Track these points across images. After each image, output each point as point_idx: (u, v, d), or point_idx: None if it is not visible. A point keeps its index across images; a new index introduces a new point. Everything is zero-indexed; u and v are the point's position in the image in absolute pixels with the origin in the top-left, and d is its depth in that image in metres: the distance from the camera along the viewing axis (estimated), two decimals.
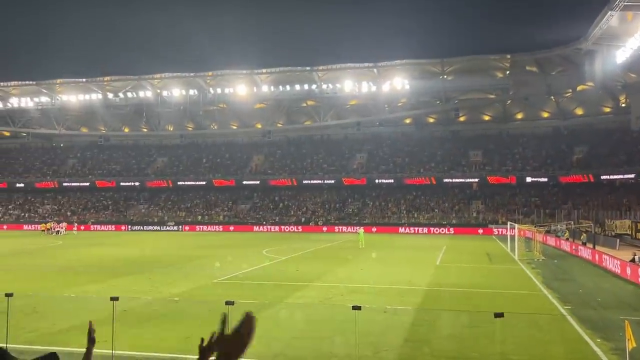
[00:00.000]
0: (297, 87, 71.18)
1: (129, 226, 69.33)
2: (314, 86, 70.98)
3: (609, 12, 42.18)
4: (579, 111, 68.17)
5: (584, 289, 22.56)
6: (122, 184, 78.52)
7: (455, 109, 72.20)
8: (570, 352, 13.55)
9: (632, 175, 56.11)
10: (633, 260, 25.92)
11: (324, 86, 70.79)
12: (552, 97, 67.02)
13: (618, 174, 58.01)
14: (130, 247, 43.87)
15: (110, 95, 79.69)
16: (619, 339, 12.81)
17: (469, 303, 19.47)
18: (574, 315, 17.08)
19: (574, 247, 37.19)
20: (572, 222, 48.62)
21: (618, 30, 45.06)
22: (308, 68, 68.42)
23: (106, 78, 77.03)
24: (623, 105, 63.52)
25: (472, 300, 20.20)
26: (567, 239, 42.06)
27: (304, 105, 76.59)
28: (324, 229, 64.10)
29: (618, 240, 41.08)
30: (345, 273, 27.61)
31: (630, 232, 43.84)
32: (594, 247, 34.77)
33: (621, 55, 46.60)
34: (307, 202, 70.96)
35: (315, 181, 71.53)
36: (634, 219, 45.50)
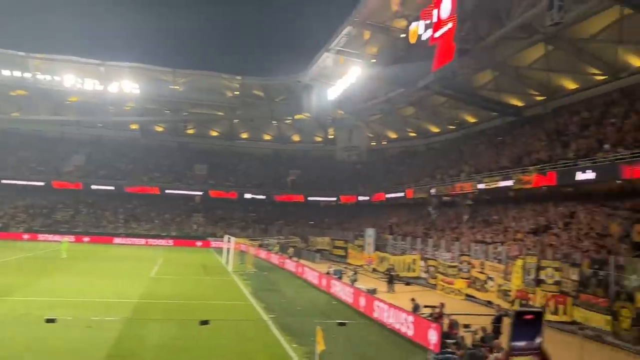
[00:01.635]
0: (6, 72, 61.85)
1: None
2: (27, 74, 62.66)
3: (326, 53, 47.76)
4: (296, 138, 75.19)
5: (287, 299, 24.56)
6: None
7: (184, 121, 72.19)
8: (270, 358, 14.50)
9: (334, 199, 64.25)
10: (328, 273, 29.34)
11: (40, 76, 63.14)
12: (275, 122, 72.52)
13: (323, 197, 65.75)
14: None
15: None
16: (312, 343, 14.21)
17: (180, 314, 19.34)
18: (276, 323, 18.38)
19: (281, 260, 40.37)
20: (282, 237, 52.87)
21: (332, 70, 51.28)
22: (22, 53, 60.14)
23: None
24: (331, 137, 72.32)
25: (184, 311, 20.16)
26: (277, 252, 45.46)
27: (13, 94, 66.85)
28: (25, 236, 56.60)
29: (318, 254, 46.20)
30: (48, 285, 24.77)
31: (328, 248, 49.80)
32: (298, 261, 38.30)
33: (333, 93, 53.07)
34: (5, 204, 61.77)
35: (18, 182, 62.68)
36: (332, 236, 51.87)
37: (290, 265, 37.58)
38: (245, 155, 74.43)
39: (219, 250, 47.76)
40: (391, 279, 29.05)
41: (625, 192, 25.70)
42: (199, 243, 59.72)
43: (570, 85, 37.68)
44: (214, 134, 75.76)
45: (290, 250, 45.32)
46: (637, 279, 17.62)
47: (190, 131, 75.07)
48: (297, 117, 68.73)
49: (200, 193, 66.89)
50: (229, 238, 40.01)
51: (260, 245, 49.34)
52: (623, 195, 25.54)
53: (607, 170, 25.20)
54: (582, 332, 17.43)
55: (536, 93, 40.70)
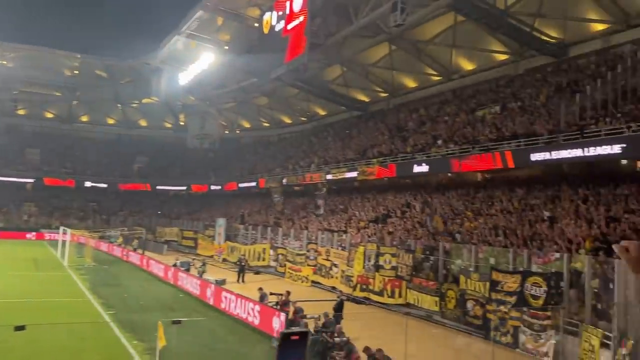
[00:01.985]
0: None
1: None
2: None
3: (177, 36, 45.94)
4: (143, 123, 71.41)
5: (129, 294, 23.31)
6: None
7: (13, 100, 64.77)
8: (108, 357, 13.63)
9: (184, 188, 62.27)
10: (175, 265, 28.42)
11: None
12: (120, 105, 68.20)
13: (172, 186, 63.38)
14: None
15: None
16: (154, 339, 13.63)
17: (5, 315, 17.35)
18: (116, 320, 17.34)
19: (124, 253, 38.26)
20: (127, 229, 50.18)
21: (183, 54, 49.48)
22: None
23: None
24: (182, 123, 69.94)
25: (10, 311, 18.11)
26: (120, 244, 43.00)
27: None
28: None
29: (166, 246, 44.58)
30: None
31: (177, 239, 48.29)
32: (143, 253, 36.59)
33: (184, 77, 51.29)
34: None
35: None
36: (182, 227, 50.39)
37: (134, 257, 35.78)
38: (86, 140, 68.91)
39: (53, 243, 43.84)
40: (242, 269, 28.94)
41: (454, 184, 28.38)
42: (30, 235, 54.21)
43: (411, 83, 40.56)
44: (49, 115, 69.10)
45: (135, 242, 43.14)
46: (462, 263, 19.54)
47: (22, 112, 67.70)
48: (144, 101, 65.34)
49: (32, 180, 60.62)
50: (64, 230, 36.90)
51: (102, 237, 46.30)
52: (453, 187, 28.17)
53: (439, 163, 27.57)
54: (415, 313, 18.94)
55: (380, 90, 43.19)
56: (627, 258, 2.22)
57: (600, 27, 27.21)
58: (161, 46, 50.07)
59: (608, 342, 12.40)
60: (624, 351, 11.23)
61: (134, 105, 68.28)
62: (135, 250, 39.24)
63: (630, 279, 12.00)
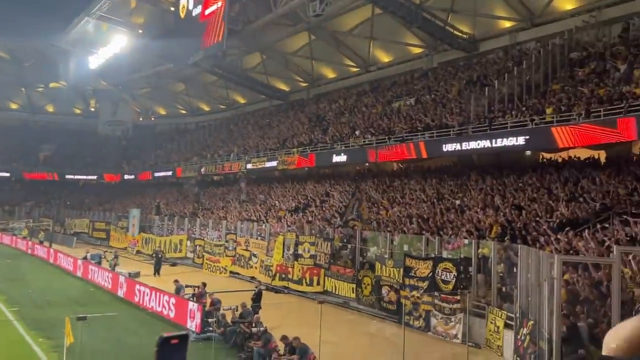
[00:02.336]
0: None
1: None
2: None
3: (86, 17, 43.61)
4: (50, 108, 67.26)
5: (35, 289, 22.05)
6: None
7: None
8: (11, 357, 12.83)
9: (95, 177, 59.30)
10: (85, 258, 27.11)
11: None
12: (23, 89, 63.83)
13: (82, 175, 60.16)
14: None
15: None
16: (61, 336, 12.97)
17: None
18: (20, 317, 16.37)
19: (30, 246, 36.07)
20: (32, 220, 47.24)
21: (94, 37, 47.05)
22: None
23: None
24: (93, 109, 66.58)
25: None
26: (25, 237, 40.46)
27: None
28: None
29: (75, 238, 42.41)
30: None
31: (87, 231, 46.04)
32: (50, 246, 34.64)
33: (95, 61, 48.80)
34: None
35: None
36: (92, 218, 48.07)
37: (41, 251, 33.79)
38: None
39: None
40: (158, 262, 27.72)
41: (372, 173, 29.04)
42: None
43: (330, 74, 40.94)
44: None
45: (42, 234, 40.73)
46: (377, 250, 20.06)
47: None
48: (51, 85, 61.57)
49: None
50: None
51: (4, 230, 43.33)
52: (370, 176, 28.81)
53: (357, 153, 28.07)
54: (332, 300, 19.25)
55: (300, 79, 43.26)
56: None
57: (507, 24, 28.72)
58: (70, 27, 47.35)
59: (511, 322, 13.21)
60: (525, 331, 12.00)
61: (40, 89, 64.18)
62: (42, 243, 37.07)
63: (532, 263, 12.81)
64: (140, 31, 42.83)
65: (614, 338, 1.70)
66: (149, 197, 48.91)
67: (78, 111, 67.75)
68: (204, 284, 16.85)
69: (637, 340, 1.70)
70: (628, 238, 13.19)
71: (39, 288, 22.35)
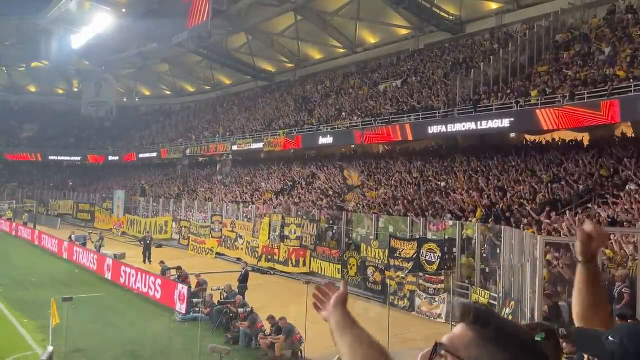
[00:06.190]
0: None
1: None
2: None
3: None
4: (33, 88, 66.13)
5: (19, 270, 21.93)
6: None
7: None
8: None
9: (79, 158, 58.60)
10: (70, 239, 26.94)
11: None
12: (4, 69, 62.62)
13: (66, 156, 59.44)
14: None
15: None
16: (47, 317, 12.95)
17: None
18: (4, 298, 16.30)
19: (14, 228, 35.75)
20: (16, 202, 46.72)
21: (76, 16, 46.15)
22: None
23: None
24: (76, 90, 65.58)
25: None
26: (9, 219, 40.06)
27: None
28: None
29: (60, 220, 42.08)
30: None
31: (72, 212, 45.63)
32: (34, 227, 34.37)
33: (77, 41, 47.94)
34: None
35: None
36: (77, 199, 47.62)
37: (25, 232, 33.51)
38: None
39: None
40: (148, 247, 25.81)
41: (358, 155, 29.08)
42: None
43: (317, 55, 40.68)
44: None
45: (25, 215, 40.35)
46: (363, 232, 20.20)
47: None
48: (33, 65, 60.37)
49: None
50: None
51: None
52: (356, 158, 28.86)
53: (343, 135, 28.06)
54: (318, 281, 19.37)
55: (286, 60, 42.94)
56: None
57: (494, 5, 28.69)
58: (51, 6, 46.35)
59: (494, 302, 13.44)
60: (507, 310, 12.22)
61: (21, 69, 62.98)
62: (25, 224, 36.73)
63: (515, 244, 13.01)
64: (124, 10, 42.10)
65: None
66: (134, 178, 48.57)
67: (61, 91, 66.74)
68: (179, 268, 16.86)
69: (583, 313, 1.88)
70: (609, 220, 13.42)
71: (24, 269, 22.22)
